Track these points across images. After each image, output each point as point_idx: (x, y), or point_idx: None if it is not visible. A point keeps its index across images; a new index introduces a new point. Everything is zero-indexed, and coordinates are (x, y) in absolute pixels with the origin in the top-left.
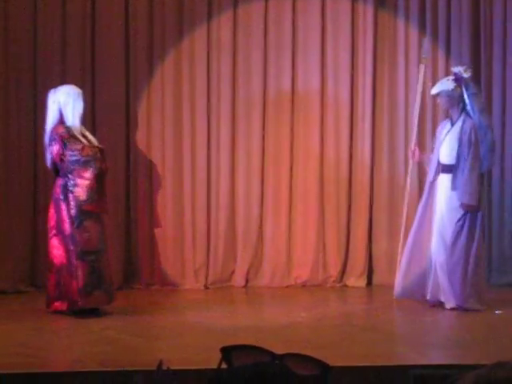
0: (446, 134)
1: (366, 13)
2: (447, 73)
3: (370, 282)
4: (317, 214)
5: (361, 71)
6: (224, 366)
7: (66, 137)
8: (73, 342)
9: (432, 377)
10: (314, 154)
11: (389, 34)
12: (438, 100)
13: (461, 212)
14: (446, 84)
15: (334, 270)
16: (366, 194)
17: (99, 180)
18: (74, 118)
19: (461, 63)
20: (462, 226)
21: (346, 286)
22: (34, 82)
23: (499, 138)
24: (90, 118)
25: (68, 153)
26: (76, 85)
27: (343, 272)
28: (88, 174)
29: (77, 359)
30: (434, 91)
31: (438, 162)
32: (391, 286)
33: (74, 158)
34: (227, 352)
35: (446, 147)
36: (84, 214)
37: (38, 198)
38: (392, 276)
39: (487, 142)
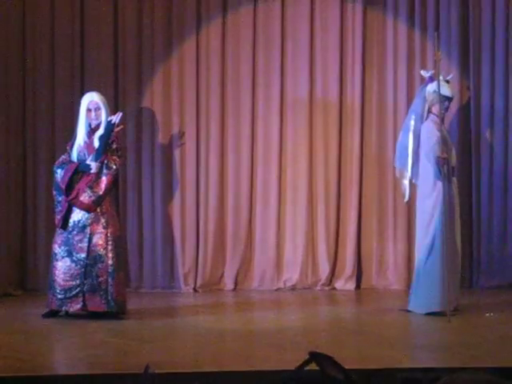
0: (448, 138)
1: (355, 14)
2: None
3: (358, 285)
4: (306, 217)
5: (350, 72)
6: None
7: None
8: (62, 346)
9: (420, 380)
10: (302, 157)
11: (378, 34)
12: (447, 104)
13: None
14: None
15: (322, 273)
16: (355, 198)
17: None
18: None
19: (450, 63)
20: None
21: (334, 289)
22: (23, 88)
23: (488, 141)
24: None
25: None
26: (65, 94)
27: (332, 275)
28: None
29: (66, 363)
30: (451, 94)
31: (450, 167)
32: (379, 289)
33: None
34: (318, 358)
35: (453, 151)
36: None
37: (28, 200)
38: (380, 279)
39: None
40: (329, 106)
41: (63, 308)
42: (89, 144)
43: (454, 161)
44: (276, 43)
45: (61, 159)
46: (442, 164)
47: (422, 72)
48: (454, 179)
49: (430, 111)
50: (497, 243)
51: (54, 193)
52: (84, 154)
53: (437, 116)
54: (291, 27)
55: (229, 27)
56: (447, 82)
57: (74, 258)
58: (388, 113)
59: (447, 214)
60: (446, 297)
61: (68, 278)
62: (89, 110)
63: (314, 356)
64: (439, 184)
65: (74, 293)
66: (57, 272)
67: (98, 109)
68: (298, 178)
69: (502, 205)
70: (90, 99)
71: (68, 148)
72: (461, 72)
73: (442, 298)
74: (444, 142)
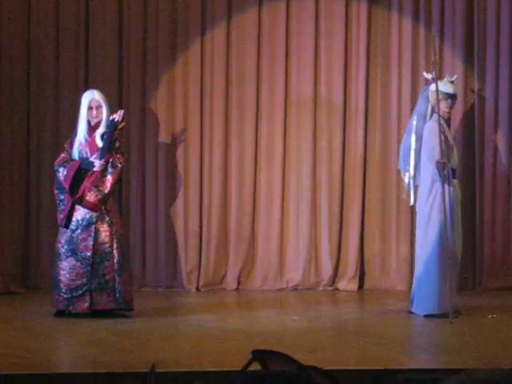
0: (450, 139)
1: (360, 13)
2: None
3: (361, 286)
4: (309, 216)
5: (354, 72)
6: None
7: None
8: (64, 344)
9: (421, 381)
10: (306, 158)
11: (382, 33)
12: (451, 102)
13: None
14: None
15: (325, 274)
16: (358, 198)
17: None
18: None
19: (454, 62)
20: None
21: (337, 289)
22: (28, 88)
23: (492, 142)
24: None
25: None
26: (70, 95)
27: (335, 275)
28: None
29: (68, 361)
30: (453, 91)
31: (450, 168)
32: (382, 290)
33: None
34: (260, 355)
35: (455, 152)
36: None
37: (31, 198)
38: (384, 279)
39: None
40: (333, 106)
41: (70, 307)
42: (90, 142)
43: (455, 162)
44: (280, 43)
45: (61, 157)
46: (441, 168)
47: (425, 74)
48: (455, 181)
49: (433, 111)
50: (500, 244)
51: (56, 191)
52: (86, 153)
53: (440, 116)
54: (296, 27)
55: (233, 27)
56: (451, 82)
57: (79, 256)
58: (392, 113)
59: (446, 216)
60: (446, 298)
61: (74, 277)
62: (90, 108)
63: (258, 354)
64: (437, 185)
65: (80, 292)
66: (62, 272)
67: (99, 107)
68: (302, 179)
69: (505, 206)
70: (92, 97)
71: (66, 146)
72: (465, 72)
73: (442, 299)
74: (445, 143)
